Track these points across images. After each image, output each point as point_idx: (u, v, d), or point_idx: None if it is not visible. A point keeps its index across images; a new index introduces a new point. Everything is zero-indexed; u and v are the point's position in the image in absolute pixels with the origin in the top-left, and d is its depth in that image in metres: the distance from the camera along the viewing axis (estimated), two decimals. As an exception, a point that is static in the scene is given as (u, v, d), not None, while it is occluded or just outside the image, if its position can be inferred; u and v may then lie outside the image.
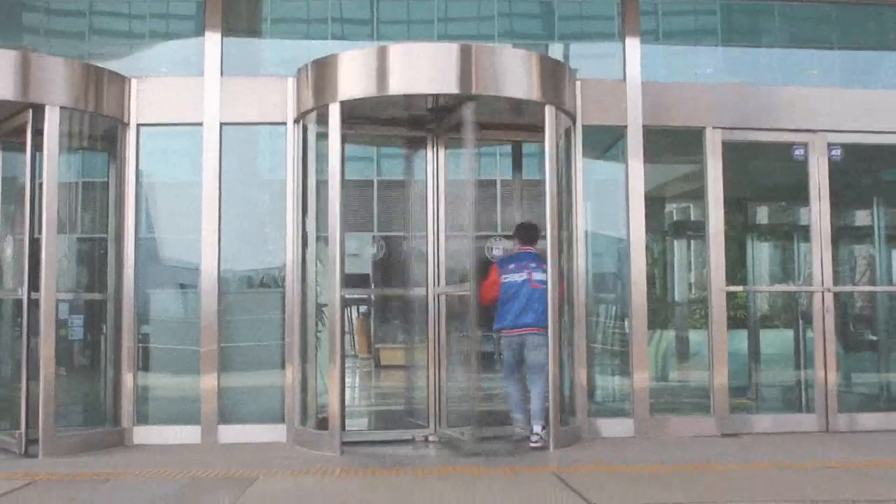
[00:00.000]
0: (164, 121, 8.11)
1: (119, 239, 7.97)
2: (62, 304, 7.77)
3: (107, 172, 8.20)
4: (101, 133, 8.15)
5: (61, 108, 7.42)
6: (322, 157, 7.69)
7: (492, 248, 14.17)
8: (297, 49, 8.97)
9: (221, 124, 8.03)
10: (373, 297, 17.54)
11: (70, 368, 8.33)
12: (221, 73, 8.11)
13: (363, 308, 19.07)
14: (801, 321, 9.26)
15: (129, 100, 8.01)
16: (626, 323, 8.33)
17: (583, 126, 8.17)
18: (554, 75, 7.73)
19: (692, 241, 10.57)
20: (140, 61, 8.74)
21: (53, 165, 7.30)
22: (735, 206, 9.97)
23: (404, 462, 6.86)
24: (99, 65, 7.91)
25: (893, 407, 9.49)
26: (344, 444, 7.19)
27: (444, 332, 8.04)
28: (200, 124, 8.03)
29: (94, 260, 8.48)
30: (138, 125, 8.04)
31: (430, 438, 7.87)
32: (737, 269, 10.13)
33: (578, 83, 8.12)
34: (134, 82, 8.05)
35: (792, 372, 9.73)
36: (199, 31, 8.23)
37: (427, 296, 8.09)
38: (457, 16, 9.78)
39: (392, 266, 14.58)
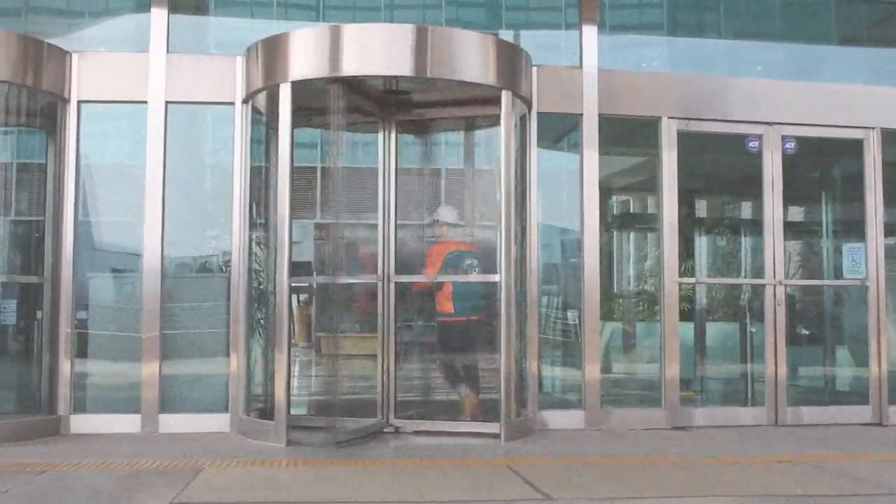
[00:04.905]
0: (106, 98, 7.82)
1: (57, 221, 7.66)
2: (-5, 287, 7.48)
3: (45, 151, 7.88)
4: (39, 109, 7.84)
5: (-3, 81, 7.12)
6: (271, 140, 7.48)
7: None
8: (244, 30, 8.74)
9: (167, 103, 7.77)
10: (315, 285, 17.34)
11: (3, 354, 8.03)
12: (168, 50, 7.84)
13: (303, 296, 18.76)
14: (751, 314, 9.27)
15: (70, 75, 7.71)
16: (577, 314, 8.25)
17: (538, 114, 8.06)
18: (511, 60, 7.60)
19: (646, 233, 10.54)
20: (83, 36, 8.44)
21: (-12, 142, 7.02)
22: (688, 197, 9.96)
23: (353, 453, 6.68)
24: (39, 38, 7.59)
25: (841, 401, 9.56)
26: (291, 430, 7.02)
27: (394, 322, 7.88)
28: (145, 102, 7.76)
29: (31, 243, 8.17)
30: (79, 102, 7.74)
31: (385, 430, 7.70)
32: (689, 260, 10.13)
33: (535, 69, 8.00)
34: (75, 57, 7.75)
35: (742, 365, 9.75)
36: (145, 7, 7.95)
37: (379, 284, 7.90)
38: (403, 3, 9.66)
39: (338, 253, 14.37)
